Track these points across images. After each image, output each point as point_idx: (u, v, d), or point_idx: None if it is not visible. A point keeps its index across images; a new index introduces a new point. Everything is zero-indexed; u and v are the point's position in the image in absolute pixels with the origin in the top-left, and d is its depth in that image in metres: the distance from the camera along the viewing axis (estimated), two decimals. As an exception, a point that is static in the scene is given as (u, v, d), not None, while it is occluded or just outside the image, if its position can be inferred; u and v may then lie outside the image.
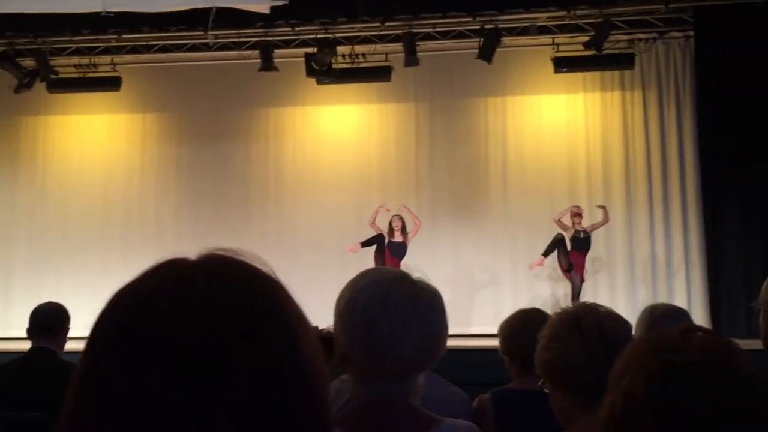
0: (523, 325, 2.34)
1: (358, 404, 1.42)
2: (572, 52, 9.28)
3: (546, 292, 9.41)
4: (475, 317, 8.99)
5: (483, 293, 9.53)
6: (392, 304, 1.39)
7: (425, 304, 1.42)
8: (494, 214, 9.77)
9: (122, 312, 0.60)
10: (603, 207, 8.97)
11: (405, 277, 1.47)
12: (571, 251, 8.73)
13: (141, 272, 0.63)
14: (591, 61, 9.13)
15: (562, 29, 9.40)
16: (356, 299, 1.42)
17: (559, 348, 1.61)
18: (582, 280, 8.64)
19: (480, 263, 9.67)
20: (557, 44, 9.42)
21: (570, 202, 9.67)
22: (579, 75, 9.66)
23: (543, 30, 9.44)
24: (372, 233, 8.81)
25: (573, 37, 9.37)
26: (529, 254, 9.52)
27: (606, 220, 8.90)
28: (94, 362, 0.59)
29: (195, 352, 0.56)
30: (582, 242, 8.78)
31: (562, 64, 9.24)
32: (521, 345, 2.26)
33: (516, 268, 9.61)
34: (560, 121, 9.90)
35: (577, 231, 8.78)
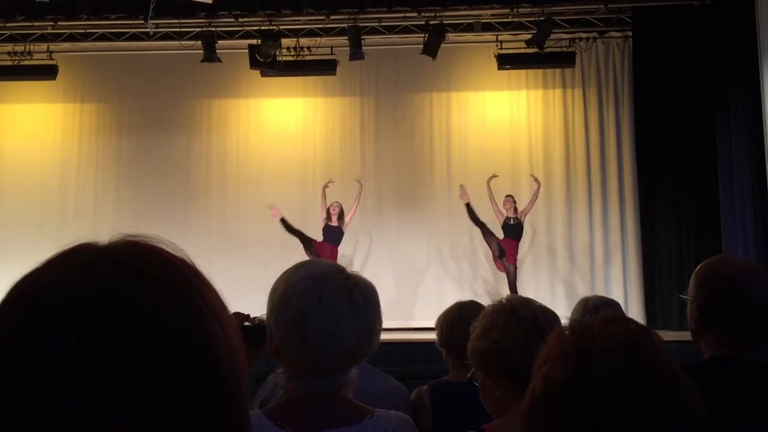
0: (461, 318, 2.37)
1: (291, 398, 1.42)
2: (515, 50, 9.42)
3: (489, 285, 9.54)
4: (418, 311, 9.06)
5: (426, 287, 9.61)
6: (327, 300, 1.39)
7: (360, 299, 1.42)
8: (438, 208, 9.85)
9: (20, 300, 0.59)
10: (536, 180, 9.04)
11: (340, 271, 1.46)
12: (503, 238, 8.82)
13: (46, 259, 0.61)
14: (533, 58, 9.28)
15: (506, 27, 9.54)
16: (291, 293, 1.41)
17: (496, 336, 1.64)
18: (515, 268, 8.75)
19: (423, 257, 9.74)
20: (501, 41, 9.54)
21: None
22: (522, 72, 9.81)
23: (487, 27, 9.55)
24: (307, 226, 8.79)
25: (516, 34, 9.52)
26: (472, 247, 9.63)
27: (533, 199, 8.97)
28: None
29: (93, 339, 0.55)
30: (512, 229, 8.86)
31: (506, 61, 9.37)
32: (458, 337, 2.29)
33: (459, 263, 9.72)
34: (503, 117, 10.04)
35: (507, 218, 8.87)
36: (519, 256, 8.96)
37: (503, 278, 9.51)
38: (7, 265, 9.32)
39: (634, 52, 9.55)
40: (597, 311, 2.57)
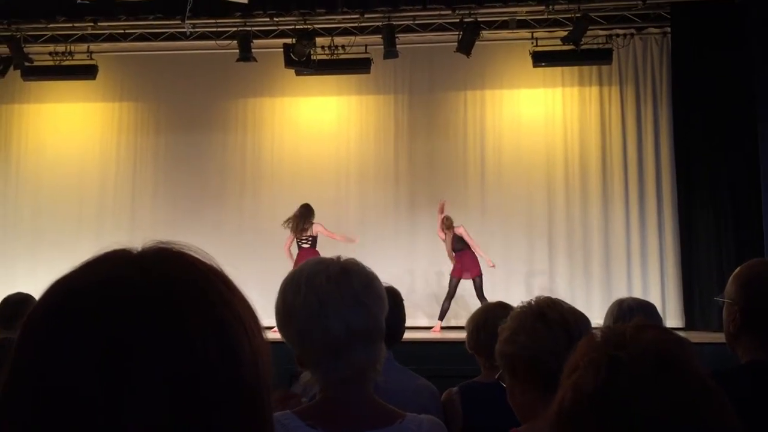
0: (486, 320, 2.36)
1: (322, 399, 1.42)
2: (551, 47, 9.32)
3: (521, 285, 9.46)
4: (452, 310, 9.02)
5: (461, 287, 9.55)
6: (330, 312, 1.36)
7: (364, 296, 1.39)
8: (472, 207, 9.80)
9: (52, 304, 0.60)
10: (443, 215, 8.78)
11: (326, 263, 1.43)
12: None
13: (79, 264, 0.63)
14: (569, 55, 9.18)
15: (541, 24, 9.45)
16: (291, 313, 1.40)
17: (524, 340, 1.60)
18: (456, 280, 8.59)
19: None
20: (536, 38, 9.45)
21: (547, 195, 9.75)
22: (557, 69, 9.71)
23: (522, 24, 9.47)
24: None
25: (552, 31, 9.42)
26: (505, 247, 9.57)
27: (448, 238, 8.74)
28: (21, 352, 0.59)
29: (116, 345, 0.56)
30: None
31: (541, 59, 9.28)
32: (485, 340, 2.28)
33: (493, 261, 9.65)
34: (538, 115, 9.95)
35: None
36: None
37: (536, 277, 9.46)
38: (47, 262, 9.55)
39: (672, 48, 9.38)
40: (632, 313, 2.53)
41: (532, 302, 1.70)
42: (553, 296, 1.76)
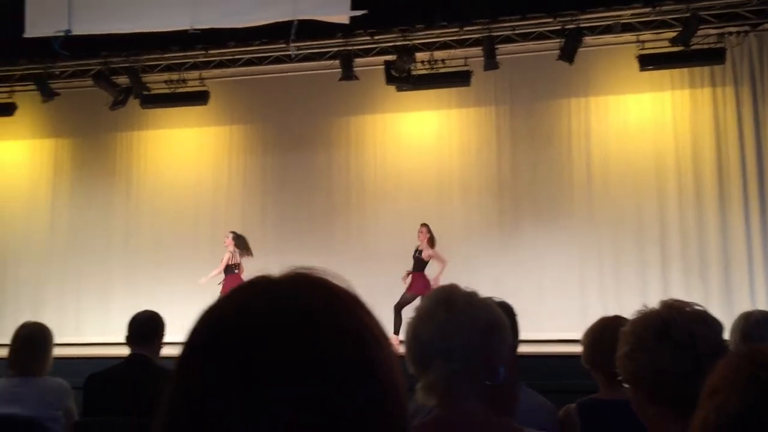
0: (603, 336, 2.29)
1: (435, 417, 1.43)
2: (658, 49, 9.00)
3: (634, 295, 9.13)
4: (561, 323, 8.80)
5: (569, 298, 9.34)
6: (448, 341, 1.39)
7: (479, 326, 1.41)
8: (579, 217, 9.57)
9: (204, 330, 0.64)
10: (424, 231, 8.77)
11: (455, 306, 1.44)
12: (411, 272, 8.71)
13: (228, 291, 0.67)
14: (678, 57, 8.82)
15: (647, 26, 9.12)
16: (411, 344, 1.43)
17: (646, 359, 1.48)
18: (410, 297, 8.29)
19: (565, 268, 9.47)
20: (642, 41, 9.15)
21: (658, 202, 9.40)
22: (666, 72, 9.35)
23: (627, 27, 9.18)
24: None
25: (659, 33, 9.08)
26: (616, 257, 9.28)
27: (432, 254, 8.71)
28: (179, 376, 0.63)
29: (266, 369, 0.59)
30: (416, 262, 8.74)
31: (648, 62, 8.96)
32: (603, 355, 2.21)
33: (602, 273, 9.38)
34: (647, 121, 9.61)
35: (417, 249, 8.80)
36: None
37: (650, 286, 9.08)
38: (169, 277, 10.05)
39: (792, 44, 8.86)
40: (760, 327, 2.40)
41: (653, 311, 1.55)
42: None
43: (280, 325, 0.61)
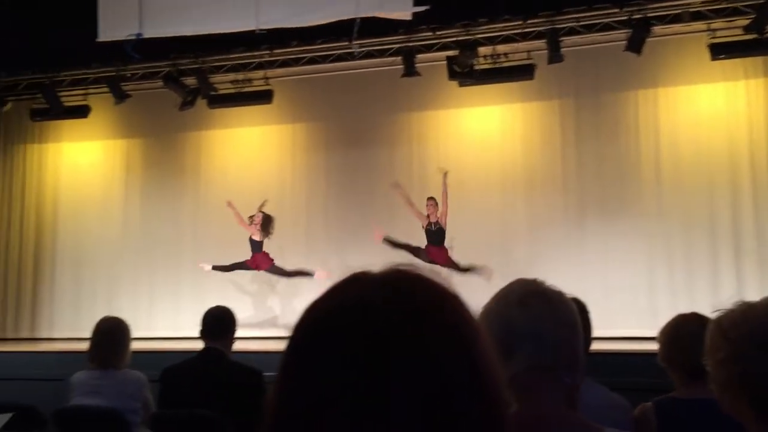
0: (679, 334, 2.24)
1: (515, 414, 1.42)
2: (731, 37, 8.70)
3: (707, 292, 8.86)
4: (630, 319, 8.62)
5: (637, 294, 9.13)
6: (522, 338, 1.38)
7: (569, 322, 1.39)
8: (647, 211, 9.34)
9: (309, 324, 0.66)
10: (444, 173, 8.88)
11: (551, 299, 1.43)
12: (427, 246, 8.77)
13: (330, 286, 0.68)
14: (752, 45, 8.51)
15: (719, 14, 8.84)
16: (495, 329, 1.42)
17: (741, 371, 1.38)
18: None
19: (633, 264, 9.26)
20: (713, 30, 8.86)
21: (732, 195, 9.11)
22: (738, 61, 9.02)
23: (696, 16, 8.91)
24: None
25: (731, 21, 8.78)
26: (686, 253, 9.03)
27: (444, 196, 8.83)
28: (284, 371, 0.65)
29: (373, 361, 0.60)
30: (434, 235, 8.80)
31: (720, 51, 8.67)
32: (681, 354, 2.17)
33: (672, 269, 9.14)
34: (719, 111, 9.31)
35: (429, 223, 8.84)
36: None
37: (723, 282, 8.80)
38: (237, 274, 10.23)
39: None
40: None
41: (746, 317, 1.43)
42: None
43: (397, 323, 0.62)
